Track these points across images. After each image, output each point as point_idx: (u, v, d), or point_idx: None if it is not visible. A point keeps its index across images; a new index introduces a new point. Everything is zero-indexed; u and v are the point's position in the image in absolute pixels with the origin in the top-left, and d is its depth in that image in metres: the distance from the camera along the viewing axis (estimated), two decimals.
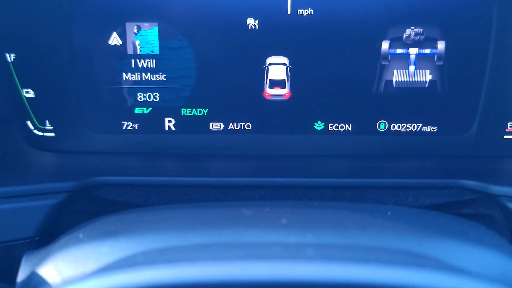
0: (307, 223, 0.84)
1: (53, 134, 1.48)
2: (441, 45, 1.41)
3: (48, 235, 1.22)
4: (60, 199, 1.26)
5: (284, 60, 1.43)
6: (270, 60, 1.43)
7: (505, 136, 1.48)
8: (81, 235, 0.86)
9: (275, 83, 1.45)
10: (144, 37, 1.42)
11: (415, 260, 0.66)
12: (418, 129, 1.49)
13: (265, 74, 1.44)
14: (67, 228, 1.08)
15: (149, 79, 1.46)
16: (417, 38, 1.41)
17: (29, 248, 1.18)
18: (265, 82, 1.44)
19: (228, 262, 0.62)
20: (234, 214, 0.88)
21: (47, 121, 1.47)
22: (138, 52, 1.44)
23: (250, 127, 1.49)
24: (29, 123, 1.46)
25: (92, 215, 1.14)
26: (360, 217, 0.88)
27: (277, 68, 1.43)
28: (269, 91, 1.45)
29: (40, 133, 1.48)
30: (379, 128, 1.49)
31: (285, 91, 1.45)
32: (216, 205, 1.02)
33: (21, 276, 0.88)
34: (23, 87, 1.43)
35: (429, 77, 1.45)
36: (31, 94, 1.44)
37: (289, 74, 1.43)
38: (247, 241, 0.73)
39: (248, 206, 0.92)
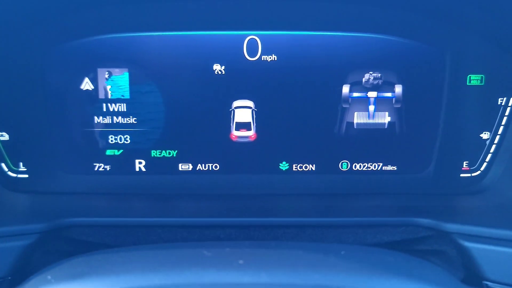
0: (262, 263, 0.88)
1: (26, 176, 1.51)
2: (398, 89, 1.48)
3: (20, 274, 1.23)
4: (31, 240, 1.28)
5: (250, 103, 1.48)
6: (236, 103, 1.48)
7: (462, 175, 1.54)
8: (49, 277, 0.90)
9: (241, 126, 1.49)
10: (115, 82, 1.46)
11: None
12: (378, 168, 1.54)
13: (232, 116, 1.48)
14: (39, 268, 1.11)
15: (120, 122, 1.49)
16: (375, 82, 1.47)
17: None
18: (231, 124, 1.49)
19: None
20: (195, 255, 0.92)
21: (21, 163, 1.50)
22: (109, 96, 1.48)
23: (218, 168, 1.53)
24: (3, 165, 1.49)
25: (63, 254, 1.17)
26: (313, 256, 0.93)
27: (243, 111, 1.48)
28: (235, 133, 1.50)
29: (14, 175, 1.50)
30: (342, 168, 1.54)
31: (251, 133, 1.50)
32: (178, 246, 1.06)
33: None
34: None
35: (388, 119, 1.50)
36: (5, 137, 1.47)
37: (254, 116, 1.48)
38: (204, 281, 0.78)
39: (209, 247, 0.97)
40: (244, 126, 1.51)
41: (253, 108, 1.49)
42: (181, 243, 1.12)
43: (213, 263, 0.88)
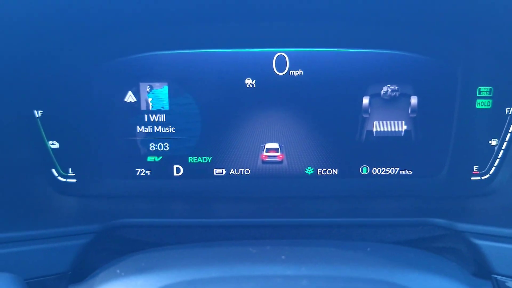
0: (301, 259, 1.01)
1: (75, 180, 1.59)
2: (414, 100, 1.55)
3: (78, 270, 1.33)
4: (88, 239, 1.37)
5: (276, 145, 1.59)
6: (267, 146, 1.59)
7: (472, 178, 1.61)
8: (118, 271, 1.02)
9: (270, 150, 1.60)
10: (156, 95, 1.55)
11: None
12: (396, 172, 1.62)
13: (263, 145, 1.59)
14: (95, 264, 1.23)
15: (160, 131, 1.58)
16: (393, 94, 1.55)
17: (61, 282, 1.33)
18: (262, 149, 1.60)
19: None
20: (243, 252, 1.04)
21: (70, 169, 1.59)
22: (150, 108, 1.56)
23: (249, 172, 1.61)
24: (53, 170, 1.58)
25: (114, 252, 1.28)
26: (344, 253, 1.06)
27: (272, 144, 1.60)
28: (265, 154, 1.60)
29: (64, 180, 1.59)
30: (362, 172, 1.62)
31: (278, 153, 1.60)
32: (227, 244, 1.16)
33: None
34: (48, 139, 1.55)
35: (404, 127, 1.58)
36: (56, 145, 1.56)
37: (282, 145, 1.59)
38: (255, 274, 0.91)
39: (252, 245, 1.09)
40: (273, 149, 1.60)
41: (279, 146, 1.59)
42: (228, 241, 1.22)
43: (260, 259, 1.01)
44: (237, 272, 0.91)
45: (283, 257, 0.99)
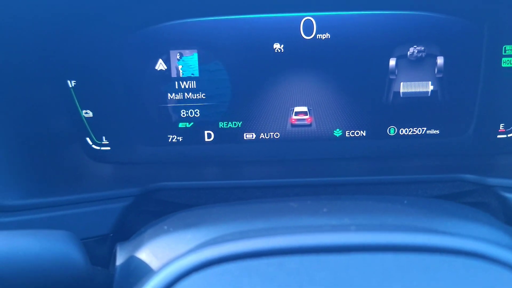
0: (343, 211, 1.04)
1: (109, 148, 1.63)
2: (440, 60, 1.57)
3: (120, 232, 1.39)
4: (129, 202, 1.42)
5: (305, 108, 1.62)
6: (296, 109, 1.62)
7: (498, 136, 1.63)
8: (165, 227, 1.06)
9: (299, 113, 1.63)
10: (186, 62, 1.58)
11: (429, 231, 0.87)
12: (423, 133, 1.64)
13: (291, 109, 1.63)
14: (136, 226, 1.26)
15: (191, 98, 1.61)
16: (419, 55, 1.57)
17: (105, 244, 1.39)
18: (291, 112, 1.63)
19: (294, 236, 0.82)
20: (285, 207, 1.08)
21: (104, 137, 1.62)
22: (181, 75, 1.59)
23: (279, 136, 1.64)
24: (88, 139, 1.62)
25: (153, 214, 1.30)
26: (383, 204, 1.09)
27: (301, 108, 1.62)
28: (294, 117, 1.63)
29: (98, 148, 1.63)
30: (389, 133, 1.65)
31: (307, 117, 1.63)
32: (268, 201, 1.19)
33: (119, 260, 1.07)
34: (82, 109, 1.58)
35: (430, 87, 1.60)
36: (90, 114, 1.59)
37: (311, 109, 1.62)
38: (302, 224, 0.94)
39: (293, 201, 1.13)
40: (302, 113, 1.63)
41: (307, 109, 1.62)
42: (267, 199, 1.25)
43: (302, 211, 1.04)
44: (283, 224, 0.94)
45: (325, 209, 1.02)
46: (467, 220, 1.02)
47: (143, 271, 0.93)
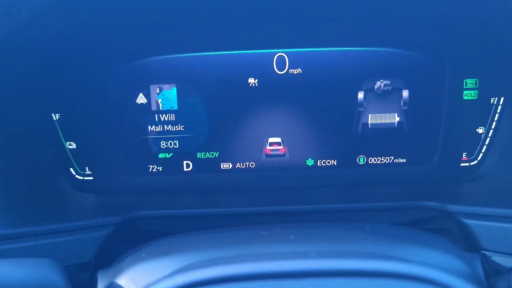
0: (308, 238, 1.12)
1: (92, 178, 1.68)
2: (405, 93, 1.65)
3: (101, 259, 1.42)
4: (110, 230, 1.46)
5: (279, 139, 1.69)
6: (270, 140, 1.69)
7: (462, 164, 1.71)
8: (144, 255, 1.13)
9: (273, 144, 1.69)
10: (165, 96, 1.64)
11: (384, 257, 0.95)
12: (390, 161, 1.71)
13: (266, 140, 1.69)
14: (116, 253, 1.31)
15: (170, 130, 1.66)
16: (386, 88, 1.64)
17: (86, 271, 1.43)
18: (266, 143, 1.69)
19: (259, 263, 0.90)
20: (256, 235, 1.15)
21: (87, 168, 1.67)
22: (161, 108, 1.64)
23: (254, 166, 1.70)
24: (71, 169, 1.66)
25: (134, 242, 1.33)
26: (346, 232, 1.17)
27: (275, 139, 1.69)
28: (268, 148, 1.69)
29: (81, 177, 1.67)
30: (359, 162, 1.71)
31: (281, 147, 1.69)
32: (240, 229, 1.26)
33: (100, 286, 1.14)
34: (66, 140, 1.63)
35: (397, 119, 1.67)
36: (73, 146, 1.64)
37: (284, 139, 1.69)
38: (269, 251, 1.02)
39: (263, 229, 1.20)
40: (276, 143, 1.69)
41: (281, 140, 1.69)
42: (240, 227, 1.31)
43: (271, 239, 1.12)
44: (253, 251, 1.02)
45: (291, 237, 1.09)
46: (423, 246, 1.10)
47: None
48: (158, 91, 1.65)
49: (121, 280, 1.08)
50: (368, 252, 0.98)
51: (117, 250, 1.44)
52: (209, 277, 0.87)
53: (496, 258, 1.36)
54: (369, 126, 1.69)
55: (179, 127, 1.68)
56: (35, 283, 0.98)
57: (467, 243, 1.45)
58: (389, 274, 0.86)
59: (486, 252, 1.38)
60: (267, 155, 1.71)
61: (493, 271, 1.33)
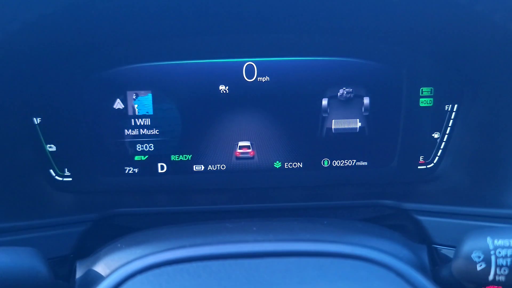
0: (269, 229, 1.21)
1: (70, 179, 1.75)
2: (366, 100, 1.74)
3: (79, 253, 1.48)
4: (87, 226, 1.54)
5: (248, 143, 1.77)
6: (240, 143, 1.78)
7: (419, 167, 1.81)
8: (119, 245, 1.22)
9: (242, 147, 1.78)
10: (141, 102, 1.71)
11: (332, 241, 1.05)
12: (353, 164, 1.80)
13: (236, 144, 1.78)
14: (93, 248, 1.37)
15: (146, 133, 1.74)
16: (348, 95, 1.74)
17: (66, 263, 1.50)
18: (236, 147, 1.78)
19: (222, 245, 1.00)
20: (222, 227, 1.24)
21: (66, 169, 1.74)
22: (137, 113, 1.72)
23: (225, 168, 1.79)
24: (51, 171, 1.73)
25: (109, 237, 1.39)
26: (304, 224, 1.27)
27: (244, 142, 1.78)
28: (238, 151, 1.78)
29: (60, 179, 1.75)
30: (324, 165, 1.80)
31: (250, 150, 1.78)
32: (208, 222, 1.35)
33: (78, 274, 1.22)
34: (47, 143, 1.70)
35: (358, 124, 1.76)
36: (53, 148, 1.71)
37: (253, 143, 1.78)
38: (232, 239, 1.11)
39: (229, 222, 1.29)
40: (245, 147, 1.78)
41: (250, 144, 1.77)
42: (209, 221, 1.39)
43: (235, 230, 1.21)
44: (218, 239, 1.11)
45: (254, 228, 1.19)
46: (373, 235, 1.21)
47: (99, 280, 1.07)
48: (134, 97, 1.72)
49: (97, 267, 1.16)
50: (319, 238, 1.08)
51: (94, 244, 1.48)
52: (173, 258, 0.97)
53: (446, 251, 1.47)
54: (333, 131, 1.77)
55: (154, 131, 1.75)
56: (18, 269, 1.06)
57: (420, 238, 1.54)
58: (334, 254, 0.96)
59: (437, 246, 1.48)
60: (237, 158, 1.79)
61: (442, 263, 1.44)
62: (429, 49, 1.69)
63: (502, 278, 0.99)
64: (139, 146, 1.77)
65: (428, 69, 1.74)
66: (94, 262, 1.19)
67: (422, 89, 1.75)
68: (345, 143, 1.79)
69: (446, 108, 1.76)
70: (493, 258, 1.00)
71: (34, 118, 1.69)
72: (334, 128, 1.78)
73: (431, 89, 1.75)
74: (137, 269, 0.96)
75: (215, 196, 1.78)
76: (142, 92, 1.72)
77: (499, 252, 1.00)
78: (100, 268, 1.15)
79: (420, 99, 1.76)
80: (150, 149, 1.77)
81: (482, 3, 1.26)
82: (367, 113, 1.76)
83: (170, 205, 1.70)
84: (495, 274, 1.00)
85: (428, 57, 1.72)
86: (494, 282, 1.01)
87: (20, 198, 1.62)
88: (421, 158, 1.81)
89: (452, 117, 1.77)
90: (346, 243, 1.02)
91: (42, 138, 1.71)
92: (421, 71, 1.74)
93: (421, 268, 1.16)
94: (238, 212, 1.67)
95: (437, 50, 1.67)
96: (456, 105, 1.76)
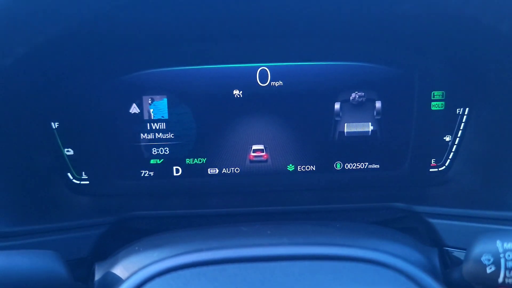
0: (283, 232, 1.24)
1: (88, 182, 1.78)
2: (378, 104, 1.76)
3: (97, 255, 1.52)
4: (105, 229, 1.56)
5: (262, 147, 1.79)
6: (253, 147, 1.79)
7: (431, 170, 1.82)
8: (136, 248, 1.25)
9: (256, 151, 1.80)
10: (157, 106, 1.74)
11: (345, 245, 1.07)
12: (365, 167, 1.82)
13: (250, 147, 1.80)
14: (110, 250, 1.39)
15: (161, 137, 1.76)
16: (360, 99, 1.75)
17: (82, 266, 1.51)
18: (250, 150, 1.80)
19: (239, 249, 1.03)
20: (236, 230, 1.27)
21: (83, 172, 1.77)
22: (152, 117, 1.74)
23: (239, 171, 1.81)
24: (69, 174, 1.76)
25: (126, 240, 1.42)
26: (318, 227, 1.29)
27: (258, 146, 1.80)
28: (252, 154, 1.80)
29: (78, 182, 1.78)
30: (336, 167, 1.82)
31: (264, 154, 1.80)
32: (224, 226, 1.36)
33: (97, 276, 1.24)
34: (64, 147, 1.72)
35: (371, 127, 1.78)
36: (71, 152, 1.74)
37: (267, 146, 1.80)
38: (248, 243, 1.14)
39: (244, 225, 1.32)
40: (259, 150, 1.80)
41: (264, 147, 1.79)
42: (224, 224, 1.42)
43: (251, 234, 1.23)
44: (234, 243, 1.13)
45: (268, 232, 1.22)
46: (384, 239, 1.23)
47: (118, 283, 1.10)
48: (150, 101, 1.74)
49: (116, 270, 1.19)
50: (332, 241, 1.10)
51: (112, 247, 1.52)
52: (192, 261, 1.00)
53: (457, 253, 1.48)
54: (345, 134, 1.79)
55: (170, 135, 1.78)
56: (39, 271, 1.09)
57: (431, 240, 1.56)
58: (347, 257, 0.99)
59: (448, 249, 1.50)
60: (251, 161, 1.81)
61: (453, 265, 1.46)
62: (441, 53, 1.70)
63: (511, 281, 1.01)
64: (154, 149, 1.78)
65: (440, 73, 1.74)
66: (113, 264, 1.22)
67: (433, 93, 1.76)
68: (357, 146, 1.81)
69: (458, 111, 1.77)
70: (502, 261, 1.02)
71: (52, 123, 1.72)
72: (347, 132, 1.79)
73: (443, 92, 1.76)
74: (156, 272, 0.99)
75: (229, 199, 1.80)
76: (158, 96, 1.74)
77: (509, 255, 1.02)
78: (119, 270, 1.18)
79: (432, 102, 1.76)
80: (165, 152, 1.79)
81: (488, 16, 1.29)
82: (379, 117, 1.78)
83: (185, 208, 1.72)
84: (505, 276, 1.02)
85: (440, 61, 1.73)
86: (503, 284, 1.03)
87: (39, 201, 1.66)
88: (432, 161, 1.82)
89: (464, 120, 1.77)
90: (359, 247, 1.04)
91: (60, 142, 1.73)
92: (432, 75, 1.74)
93: (432, 271, 1.18)
94: (252, 214, 1.69)
95: (448, 54, 1.68)
96: (467, 109, 1.76)
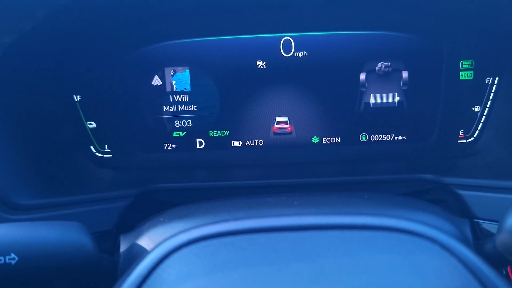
0: (310, 203, 1.22)
1: (111, 155, 1.78)
2: (404, 74, 1.73)
3: (122, 228, 1.52)
4: (129, 202, 1.57)
5: (286, 118, 1.78)
6: (277, 119, 1.78)
7: (459, 141, 1.79)
8: (161, 219, 1.24)
9: (280, 122, 1.78)
10: (179, 78, 1.72)
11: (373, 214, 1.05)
12: (391, 139, 1.79)
13: (274, 118, 1.78)
14: (134, 223, 1.38)
15: (183, 110, 1.75)
16: (386, 69, 1.72)
17: (107, 238, 1.52)
18: (274, 122, 1.78)
19: (266, 219, 1.01)
20: (263, 201, 1.25)
21: (106, 146, 1.77)
22: (175, 89, 1.73)
23: (263, 143, 1.79)
24: (92, 147, 1.76)
25: (151, 212, 1.41)
26: (345, 198, 1.27)
27: (282, 118, 1.78)
28: (276, 126, 1.78)
29: (101, 155, 1.78)
30: (361, 139, 1.80)
31: (288, 126, 1.78)
32: (250, 197, 1.35)
33: (122, 248, 1.24)
34: (87, 120, 1.73)
35: (397, 98, 1.75)
36: (94, 125, 1.74)
37: (291, 118, 1.78)
38: (276, 213, 1.12)
39: (270, 197, 1.30)
40: (283, 122, 1.78)
41: (288, 119, 1.78)
42: (250, 196, 1.41)
43: (277, 204, 1.22)
44: (262, 213, 1.12)
45: (295, 203, 1.19)
46: (415, 209, 1.20)
47: (144, 254, 1.09)
48: (172, 73, 1.73)
49: (141, 241, 1.18)
50: (360, 211, 1.08)
51: (136, 219, 1.52)
52: (219, 231, 0.98)
53: (487, 225, 1.46)
54: (371, 106, 1.76)
55: (192, 107, 1.77)
56: (65, 243, 1.08)
57: (461, 212, 1.54)
58: (378, 227, 0.97)
59: (478, 221, 1.48)
60: (275, 133, 1.80)
61: (484, 237, 1.43)
62: (469, 21, 1.66)
63: None
64: (177, 122, 1.78)
65: (468, 42, 1.70)
66: (138, 236, 1.21)
67: (462, 62, 1.72)
68: (383, 117, 1.78)
69: (487, 81, 1.73)
70: None
71: (75, 96, 1.72)
72: (372, 103, 1.77)
73: (472, 62, 1.72)
74: (182, 242, 0.97)
75: (253, 171, 1.79)
76: (180, 68, 1.73)
77: None
78: (144, 242, 1.17)
79: (460, 72, 1.73)
80: (188, 125, 1.78)
81: None
82: (405, 87, 1.75)
83: (209, 180, 1.71)
84: None
85: (468, 30, 1.68)
86: None
87: (63, 175, 1.67)
88: (461, 132, 1.79)
89: (493, 90, 1.74)
90: (390, 216, 1.01)
91: (82, 115, 1.73)
92: (461, 44, 1.70)
93: (464, 242, 1.16)
94: (276, 187, 1.68)
95: (477, 22, 1.65)
96: (497, 78, 1.73)
